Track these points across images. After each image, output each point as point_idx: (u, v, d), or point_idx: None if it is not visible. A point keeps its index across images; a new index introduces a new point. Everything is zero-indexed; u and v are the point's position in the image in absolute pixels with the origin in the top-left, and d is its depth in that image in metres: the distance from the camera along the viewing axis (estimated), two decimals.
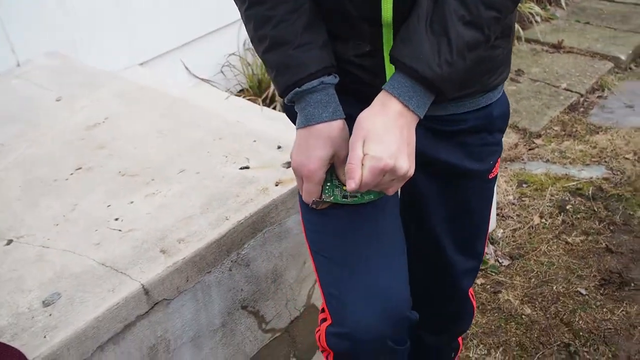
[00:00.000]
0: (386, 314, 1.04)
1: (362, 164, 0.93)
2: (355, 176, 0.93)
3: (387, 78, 1.02)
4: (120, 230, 1.41)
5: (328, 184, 1.06)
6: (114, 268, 1.30)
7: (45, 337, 1.15)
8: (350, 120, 1.01)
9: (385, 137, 0.93)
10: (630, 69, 3.68)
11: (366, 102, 0.98)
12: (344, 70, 1.06)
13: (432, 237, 1.25)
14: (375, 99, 0.97)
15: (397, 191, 1.21)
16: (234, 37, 3.05)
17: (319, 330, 1.12)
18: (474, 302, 1.40)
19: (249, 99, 2.78)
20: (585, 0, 4.46)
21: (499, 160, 1.23)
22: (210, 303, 1.41)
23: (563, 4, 4.32)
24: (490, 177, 1.23)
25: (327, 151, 1.01)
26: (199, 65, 2.99)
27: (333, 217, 1.08)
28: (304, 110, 1.02)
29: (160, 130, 1.80)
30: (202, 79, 3.00)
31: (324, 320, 1.11)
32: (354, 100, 1.06)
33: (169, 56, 2.86)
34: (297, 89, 1.01)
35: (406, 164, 0.95)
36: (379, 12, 0.97)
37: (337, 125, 1.02)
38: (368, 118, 0.95)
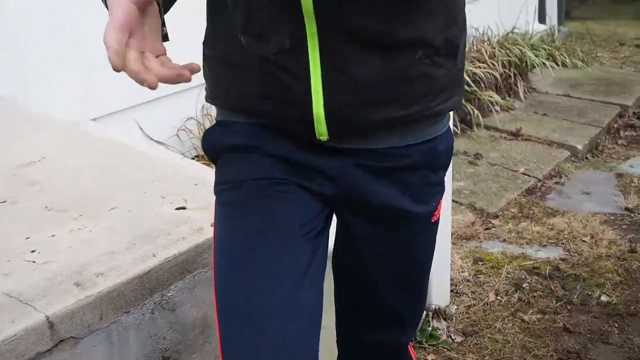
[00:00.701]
0: None
1: None
2: None
3: (312, 83, 0.95)
4: (34, 262, 1.28)
5: None
6: (19, 299, 1.16)
7: None
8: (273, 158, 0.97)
9: None
10: (587, 158, 3.72)
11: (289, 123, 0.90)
12: (267, 72, 0.96)
13: (371, 285, 1.14)
14: None
15: (327, 240, 1.10)
16: (193, 101, 3.00)
17: None
18: (414, 356, 1.28)
19: (203, 164, 2.70)
20: (543, 94, 4.58)
21: (441, 201, 1.15)
22: (126, 348, 1.26)
23: (522, 96, 4.42)
24: (433, 220, 1.13)
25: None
26: (154, 127, 2.92)
27: (248, 265, 0.98)
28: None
29: (98, 169, 1.70)
30: (157, 141, 2.92)
31: None
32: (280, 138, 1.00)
33: (123, 114, 2.78)
34: None
35: None
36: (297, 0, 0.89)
37: None
38: None
